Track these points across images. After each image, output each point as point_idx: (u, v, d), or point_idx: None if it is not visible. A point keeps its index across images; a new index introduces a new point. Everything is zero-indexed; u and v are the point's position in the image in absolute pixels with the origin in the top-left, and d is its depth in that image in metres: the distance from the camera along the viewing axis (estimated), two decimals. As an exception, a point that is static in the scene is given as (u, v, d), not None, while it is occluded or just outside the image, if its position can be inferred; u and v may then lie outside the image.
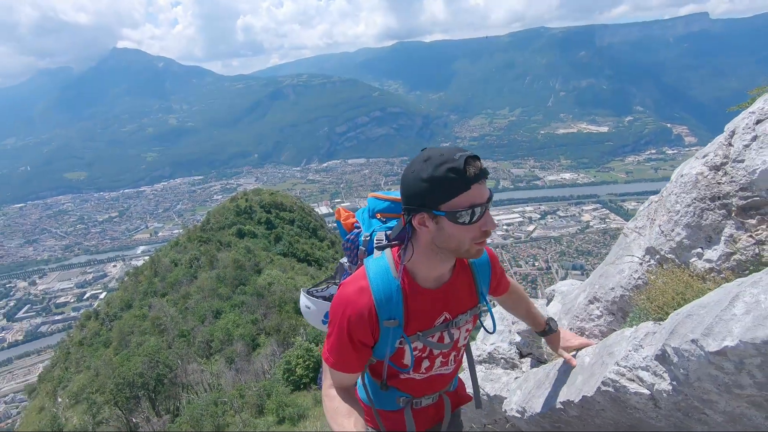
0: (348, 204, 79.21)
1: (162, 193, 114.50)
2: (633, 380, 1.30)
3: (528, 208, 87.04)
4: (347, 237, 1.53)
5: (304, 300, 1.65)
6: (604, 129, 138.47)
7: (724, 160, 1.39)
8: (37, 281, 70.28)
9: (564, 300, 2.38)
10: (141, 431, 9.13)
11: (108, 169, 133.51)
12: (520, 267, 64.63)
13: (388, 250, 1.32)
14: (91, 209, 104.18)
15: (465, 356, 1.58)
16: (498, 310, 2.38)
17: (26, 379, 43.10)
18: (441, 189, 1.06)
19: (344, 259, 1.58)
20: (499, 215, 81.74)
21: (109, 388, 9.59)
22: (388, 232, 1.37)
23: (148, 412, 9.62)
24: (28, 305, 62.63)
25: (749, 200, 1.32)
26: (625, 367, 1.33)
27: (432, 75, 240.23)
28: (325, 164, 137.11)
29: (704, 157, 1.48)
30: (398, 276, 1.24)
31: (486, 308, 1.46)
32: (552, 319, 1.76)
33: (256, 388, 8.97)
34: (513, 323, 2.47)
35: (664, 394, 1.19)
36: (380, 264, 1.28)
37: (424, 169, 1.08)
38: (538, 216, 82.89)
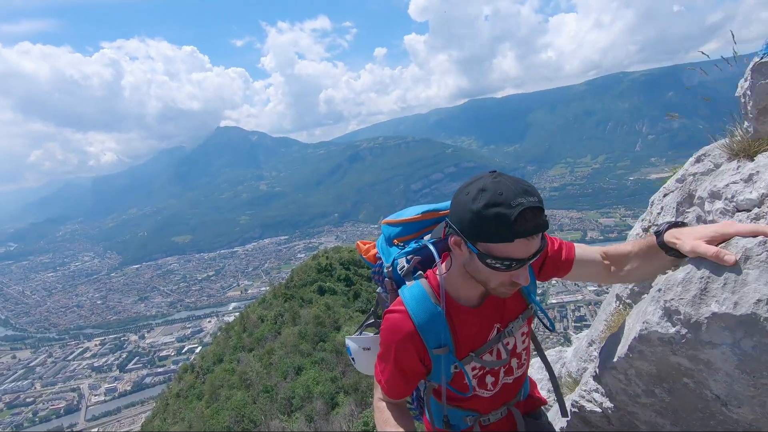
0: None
1: (252, 252, 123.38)
2: (590, 401, 1.51)
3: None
4: (373, 269, 1.49)
5: (355, 345, 1.55)
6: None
7: (649, 224, 1.75)
8: (146, 335, 77.27)
9: (577, 344, 2.61)
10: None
11: (208, 232, 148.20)
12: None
13: (420, 274, 1.27)
14: (193, 269, 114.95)
15: (542, 363, 1.49)
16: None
17: (130, 428, 46.56)
18: (483, 229, 0.99)
19: (380, 289, 1.51)
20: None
21: (200, 440, 10.07)
22: (409, 257, 1.32)
23: (233, 467, 9.86)
24: (137, 357, 68.70)
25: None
26: (585, 390, 1.55)
27: (506, 128, 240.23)
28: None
29: (642, 221, 1.86)
30: (438, 301, 1.19)
31: (537, 308, 1.36)
32: (659, 226, 1.22)
33: (335, 449, 8.84)
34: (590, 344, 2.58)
35: (609, 411, 1.42)
36: (415, 290, 1.22)
37: (476, 199, 0.99)
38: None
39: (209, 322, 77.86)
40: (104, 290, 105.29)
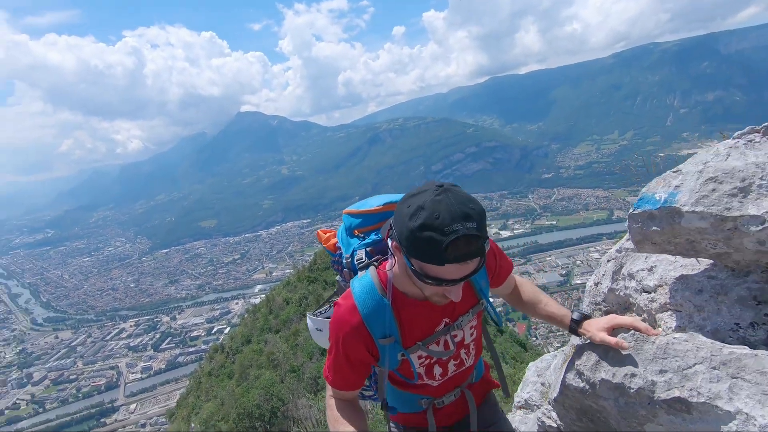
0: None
1: (275, 236, 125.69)
2: (549, 418, 1.95)
3: (650, 240, 77.16)
4: (333, 260, 1.52)
5: (311, 323, 1.62)
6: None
7: (597, 282, 1.96)
8: (177, 317, 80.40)
9: (554, 361, 2.68)
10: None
11: (232, 217, 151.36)
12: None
13: (372, 269, 1.28)
14: (219, 252, 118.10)
15: (486, 343, 1.57)
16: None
17: (166, 404, 48.92)
18: (415, 248, 0.99)
19: (338, 277, 1.55)
20: (615, 247, 73.76)
21: (232, 417, 10.53)
22: (369, 249, 1.34)
23: (264, 443, 10.29)
24: (170, 338, 71.71)
25: (604, 310, 1.82)
26: (546, 409, 2.00)
27: (529, 106, 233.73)
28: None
29: (593, 275, 2.06)
30: (384, 293, 1.21)
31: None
32: (577, 309, 1.51)
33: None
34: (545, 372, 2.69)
35: (561, 428, 1.85)
36: (364, 283, 1.25)
37: (414, 216, 0.98)
38: (664, 248, 72.86)
39: (236, 303, 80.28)
40: (136, 274, 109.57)
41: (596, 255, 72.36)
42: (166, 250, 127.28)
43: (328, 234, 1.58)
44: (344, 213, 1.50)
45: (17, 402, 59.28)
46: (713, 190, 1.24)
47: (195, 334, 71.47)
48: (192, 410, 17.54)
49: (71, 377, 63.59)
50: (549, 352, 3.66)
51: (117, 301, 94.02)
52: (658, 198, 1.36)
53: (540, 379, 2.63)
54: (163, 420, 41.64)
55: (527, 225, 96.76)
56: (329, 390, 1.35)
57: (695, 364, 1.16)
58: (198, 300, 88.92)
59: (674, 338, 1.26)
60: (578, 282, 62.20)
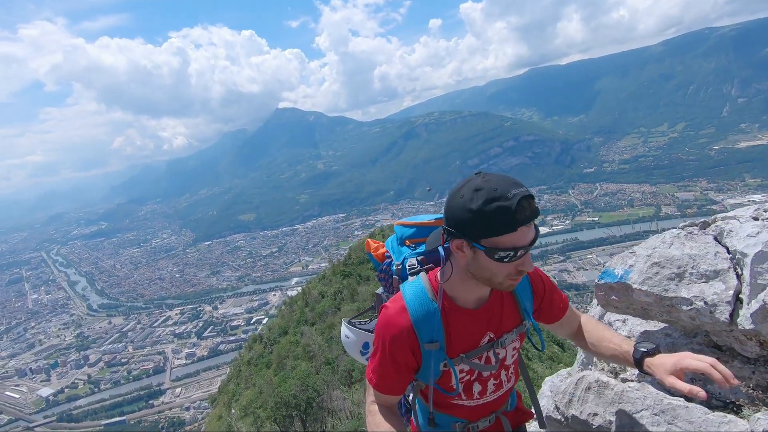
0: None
1: (312, 230, 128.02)
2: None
3: (702, 239, 72.42)
4: (380, 267, 1.53)
5: (344, 330, 1.66)
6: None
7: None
8: (218, 306, 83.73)
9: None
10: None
11: (271, 211, 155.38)
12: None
13: (423, 274, 1.31)
14: (258, 245, 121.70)
15: (521, 374, 1.57)
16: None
17: (209, 390, 51.24)
18: (486, 225, 1.03)
19: (380, 290, 1.58)
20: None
21: (270, 405, 10.89)
22: (420, 258, 1.38)
23: (300, 431, 10.58)
24: (212, 326, 74.82)
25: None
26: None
27: (570, 98, 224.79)
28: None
29: (589, 313, 2.31)
30: (435, 298, 1.23)
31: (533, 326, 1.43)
32: (644, 342, 1.37)
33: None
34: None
35: None
36: (415, 286, 1.27)
37: (473, 199, 1.04)
38: (718, 248, 68.25)
39: (274, 295, 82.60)
40: (181, 264, 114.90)
41: (641, 253, 69.22)
42: (208, 243, 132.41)
43: (377, 244, 1.60)
44: (396, 224, 1.54)
45: (75, 381, 63.90)
46: (656, 273, 1.55)
47: (235, 323, 74.18)
48: (232, 396, 18.29)
49: (123, 360, 67.80)
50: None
51: (163, 290, 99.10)
52: (616, 273, 1.67)
53: (553, 396, 2.74)
54: (206, 405, 43.68)
55: (567, 221, 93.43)
56: (370, 395, 1.34)
57: (642, 410, 1.43)
58: (238, 291, 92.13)
59: (629, 387, 1.54)
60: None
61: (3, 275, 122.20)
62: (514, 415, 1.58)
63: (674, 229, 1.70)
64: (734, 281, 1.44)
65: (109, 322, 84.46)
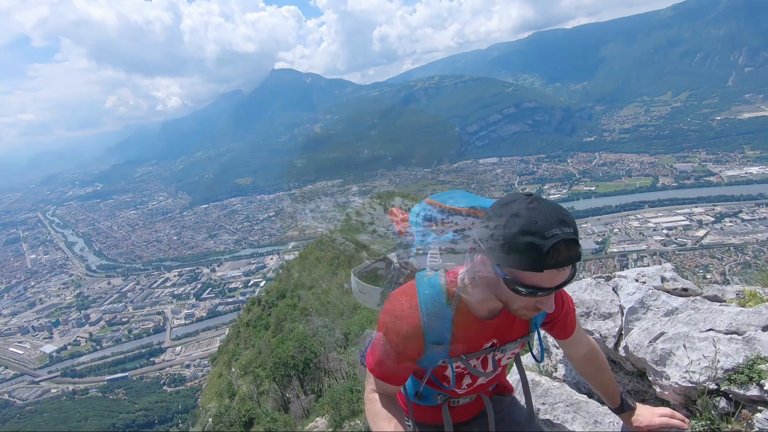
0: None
1: (308, 194, 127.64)
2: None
3: (697, 209, 72.28)
4: (399, 241, 1.46)
5: (355, 285, 1.59)
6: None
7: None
8: (216, 269, 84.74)
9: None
10: (292, 405, 10.54)
11: (267, 174, 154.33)
12: (686, 279, 54.73)
13: (442, 272, 1.24)
14: (255, 209, 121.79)
15: (520, 378, 1.59)
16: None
17: (208, 349, 52.73)
18: (512, 256, 0.96)
19: (394, 256, 1.51)
20: (657, 217, 70.71)
21: (269, 365, 11.28)
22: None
23: (298, 390, 11.01)
24: (210, 288, 76.02)
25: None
26: None
27: (574, 64, 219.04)
28: (455, 164, 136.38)
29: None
30: (450, 302, 1.19)
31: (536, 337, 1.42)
32: (629, 396, 1.58)
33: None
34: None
35: None
36: (433, 285, 1.21)
37: (508, 225, 0.96)
38: (712, 219, 68.45)
39: (271, 258, 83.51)
40: (178, 227, 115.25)
41: (636, 223, 69.73)
42: (205, 206, 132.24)
43: (403, 215, 1.50)
44: (426, 202, 1.39)
45: (77, 339, 65.50)
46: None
47: (233, 285, 75.36)
48: (232, 356, 18.87)
49: (123, 320, 69.24)
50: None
51: (161, 252, 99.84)
52: None
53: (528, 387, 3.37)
54: (206, 363, 45.07)
55: (564, 190, 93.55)
56: (370, 383, 1.32)
57: (558, 402, 2.03)
58: (235, 254, 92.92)
59: (553, 386, 2.15)
60: (614, 250, 60.49)
61: (0, 235, 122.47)
62: (494, 391, 1.61)
63: (589, 278, 2.37)
64: (620, 321, 2.07)
65: (108, 283, 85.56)
